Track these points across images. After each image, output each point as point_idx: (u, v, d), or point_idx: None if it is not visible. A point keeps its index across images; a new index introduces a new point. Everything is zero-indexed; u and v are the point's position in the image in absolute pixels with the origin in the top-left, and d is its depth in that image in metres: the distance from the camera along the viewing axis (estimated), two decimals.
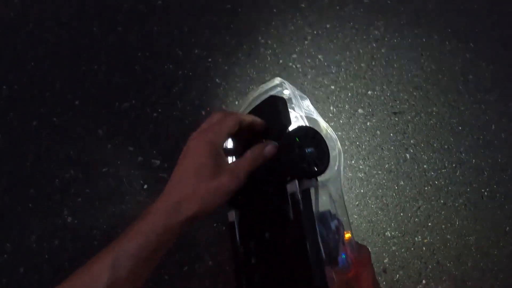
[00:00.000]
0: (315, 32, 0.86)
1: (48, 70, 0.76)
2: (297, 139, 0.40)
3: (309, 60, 0.83)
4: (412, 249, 0.77)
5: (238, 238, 0.46)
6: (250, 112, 0.48)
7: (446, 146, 0.87)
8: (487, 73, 1.00)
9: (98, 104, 0.74)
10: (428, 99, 0.89)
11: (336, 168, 0.47)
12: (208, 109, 0.75)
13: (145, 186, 0.70)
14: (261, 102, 0.46)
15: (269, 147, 0.40)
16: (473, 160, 0.89)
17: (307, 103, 0.51)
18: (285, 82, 0.50)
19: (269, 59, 0.81)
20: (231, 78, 0.78)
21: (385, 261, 0.75)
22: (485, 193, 0.88)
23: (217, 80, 0.77)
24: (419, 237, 0.79)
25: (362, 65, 0.87)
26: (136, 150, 0.71)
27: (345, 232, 0.44)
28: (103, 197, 0.69)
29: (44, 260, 0.66)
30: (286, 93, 0.50)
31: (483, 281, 0.82)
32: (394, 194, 0.80)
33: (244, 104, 0.54)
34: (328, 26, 0.87)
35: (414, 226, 0.79)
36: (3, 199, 0.68)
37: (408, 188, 0.81)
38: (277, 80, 0.51)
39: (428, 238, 0.79)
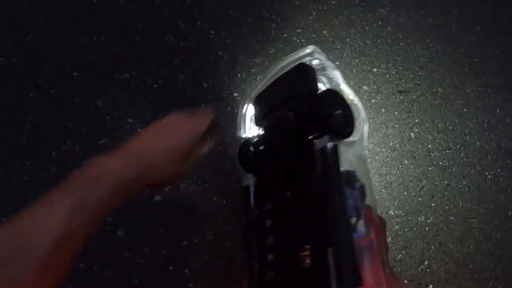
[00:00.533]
0: (320, 8, 0.84)
1: (46, 41, 0.74)
2: (327, 100, 0.40)
3: (313, 35, 0.82)
4: (415, 228, 0.76)
5: (252, 202, 0.46)
6: (280, 78, 0.49)
7: (450, 127, 0.86)
8: (493, 57, 0.98)
9: (98, 75, 0.72)
10: (433, 79, 0.88)
11: (360, 134, 0.46)
12: (210, 81, 0.73)
13: None
14: (291, 69, 0.47)
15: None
16: (478, 143, 0.88)
17: (336, 73, 0.50)
18: (317, 50, 0.50)
19: (273, 33, 0.79)
20: (234, 51, 0.76)
21: (388, 240, 0.74)
22: (489, 176, 0.87)
23: (219, 52, 0.76)
24: (422, 217, 0.78)
25: (368, 42, 0.85)
26: (136, 122, 0.70)
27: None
28: None
29: None
30: (315, 62, 0.50)
31: (485, 264, 0.81)
32: (398, 173, 0.78)
33: (271, 72, 0.53)
34: (333, 2, 0.86)
35: (417, 206, 0.78)
36: None
37: (412, 167, 0.80)
38: (309, 49, 0.51)
39: (431, 218, 0.78)
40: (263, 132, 0.50)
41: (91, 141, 0.69)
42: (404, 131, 0.82)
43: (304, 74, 0.44)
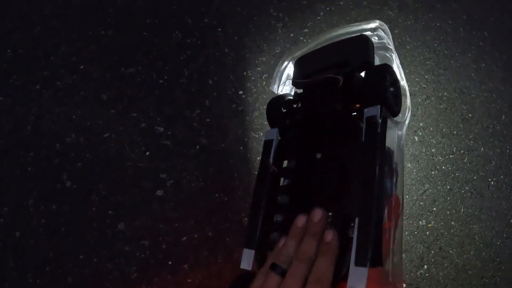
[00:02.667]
0: (328, 9, 0.84)
1: (53, 33, 0.74)
2: (385, 73, 0.38)
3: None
4: (415, 232, 0.76)
5: (272, 158, 0.44)
6: (332, 45, 0.46)
7: (455, 132, 0.86)
8: (500, 62, 0.98)
9: (103, 69, 0.72)
10: (439, 83, 0.88)
11: (405, 118, 0.45)
12: (216, 78, 0.73)
13: (147, 153, 0.68)
14: (347, 38, 0.44)
15: None
16: (482, 149, 0.87)
17: (394, 55, 0.48)
18: (383, 27, 0.46)
19: (279, 31, 0.79)
20: (240, 48, 0.76)
21: None
22: (492, 182, 0.87)
23: (226, 50, 0.76)
24: (424, 221, 0.77)
25: None
26: (140, 116, 0.70)
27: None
28: (103, 163, 0.68)
29: (41, 224, 0.65)
30: (374, 40, 0.48)
31: (485, 271, 0.80)
32: None
33: (323, 37, 0.50)
34: (341, 3, 0.85)
35: (419, 210, 0.77)
36: (2, 162, 0.67)
37: (415, 171, 0.79)
38: (373, 24, 0.47)
39: (432, 223, 0.78)
40: (300, 91, 0.47)
41: (95, 135, 0.69)
42: (408, 134, 0.81)
43: (363, 46, 0.41)
